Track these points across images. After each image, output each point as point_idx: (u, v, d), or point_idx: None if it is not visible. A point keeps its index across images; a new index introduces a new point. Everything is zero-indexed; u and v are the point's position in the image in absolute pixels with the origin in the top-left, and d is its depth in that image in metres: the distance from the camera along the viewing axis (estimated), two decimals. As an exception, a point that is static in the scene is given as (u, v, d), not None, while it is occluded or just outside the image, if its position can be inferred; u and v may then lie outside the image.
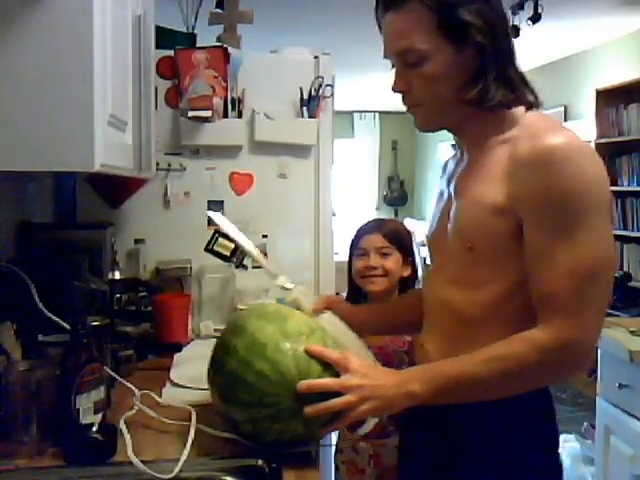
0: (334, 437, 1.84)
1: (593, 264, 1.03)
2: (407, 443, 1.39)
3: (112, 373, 1.44)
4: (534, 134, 1.06)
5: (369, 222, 1.90)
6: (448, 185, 1.26)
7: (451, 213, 1.19)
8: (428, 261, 1.36)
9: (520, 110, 1.14)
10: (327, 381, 1.11)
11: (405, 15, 1.09)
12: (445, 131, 1.24)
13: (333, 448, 1.86)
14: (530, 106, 1.15)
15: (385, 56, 1.17)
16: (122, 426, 1.21)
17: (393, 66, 1.17)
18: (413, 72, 1.11)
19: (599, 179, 1.04)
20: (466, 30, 1.07)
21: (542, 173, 1.02)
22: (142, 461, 1.11)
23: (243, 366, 1.15)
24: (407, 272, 1.82)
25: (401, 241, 1.78)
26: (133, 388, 1.37)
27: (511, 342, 1.06)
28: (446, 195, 1.26)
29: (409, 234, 1.87)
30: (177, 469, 1.10)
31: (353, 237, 1.87)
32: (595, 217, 1.03)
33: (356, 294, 1.88)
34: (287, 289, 1.41)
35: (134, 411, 1.30)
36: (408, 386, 1.09)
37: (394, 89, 1.16)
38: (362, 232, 1.84)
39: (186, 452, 1.14)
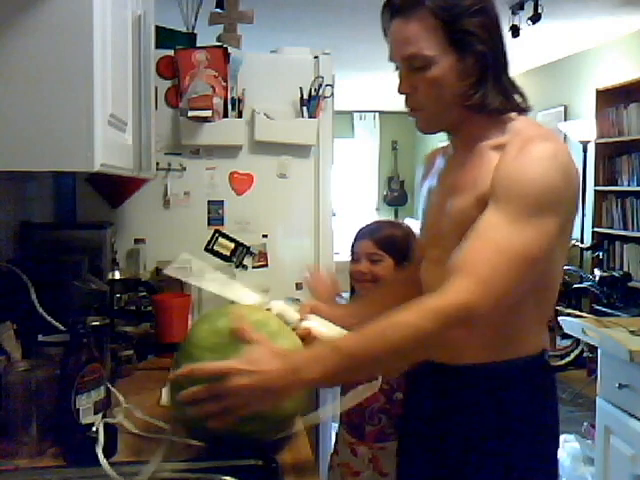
0: (332, 438, 1.84)
1: (523, 253, 1.06)
2: (405, 443, 1.39)
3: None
4: (526, 139, 1.12)
5: (366, 226, 1.90)
6: (439, 181, 1.30)
7: (446, 210, 1.22)
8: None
9: (512, 115, 1.20)
10: (209, 364, 1.05)
11: (414, 22, 1.15)
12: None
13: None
14: (521, 110, 1.21)
15: (391, 59, 1.22)
16: (100, 427, 1.16)
17: (397, 68, 1.22)
18: (418, 76, 1.17)
19: (567, 191, 1.11)
20: (469, 40, 1.14)
21: (519, 165, 1.09)
22: (140, 461, 1.11)
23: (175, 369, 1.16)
24: None
25: (394, 247, 1.76)
26: (121, 398, 1.38)
27: (409, 308, 1.05)
28: (437, 191, 1.30)
29: (410, 237, 1.85)
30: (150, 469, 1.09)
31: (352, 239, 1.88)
32: (547, 218, 1.08)
33: (356, 295, 1.88)
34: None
35: (115, 420, 1.29)
36: (300, 373, 1.03)
37: (399, 91, 1.21)
38: (357, 236, 1.84)
39: (158, 459, 1.12)
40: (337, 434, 1.84)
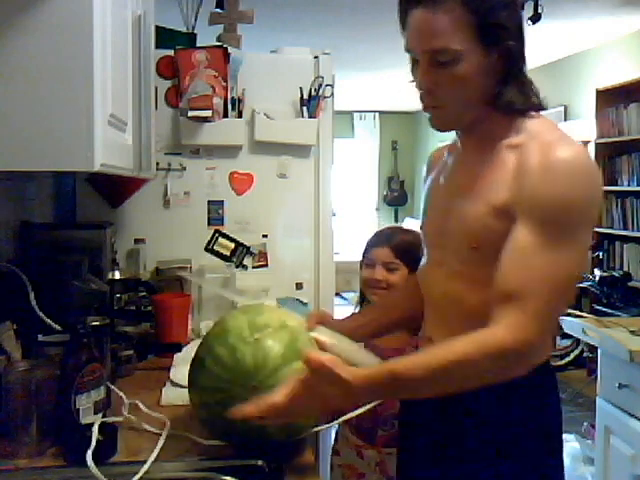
0: (331, 438, 1.84)
1: (567, 277, 1.06)
2: (405, 439, 1.39)
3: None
4: (545, 144, 1.08)
5: (380, 232, 1.87)
6: (445, 180, 1.27)
7: (453, 210, 1.19)
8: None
9: (527, 114, 1.15)
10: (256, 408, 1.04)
11: (443, 14, 1.07)
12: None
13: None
14: (538, 108, 1.16)
15: (409, 50, 1.15)
16: (95, 428, 1.16)
17: (414, 62, 1.15)
18: (442, 72, 1.10)
19: (595, 198, 1.08)
20: (500, 34, 1.08)
21: (547, 181, 1.04)
22: (139, 461, 1.11)
23: (206, 351, 1.19)
24: None
25: (410, 255, 1.72)
26: (123, 397, 1.38)
27: (469, 342, 1.04)
28: (443, 190, 1.26)
29: (421, 245, 1.83)
30: (145, 467, 1.10)
31: (366, 244, 1.86)
32: (582, 234, 1.06)
33: (366, 300, 1.86)
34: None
35: (121, 418, 1.30)
36: (357, 397, 1.07)
37: (420, 87, 1.14)
38: (372, 243, 1.82)
39: (154, 455, 1.13)
40: (337, 434, 1.84)
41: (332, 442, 1.88)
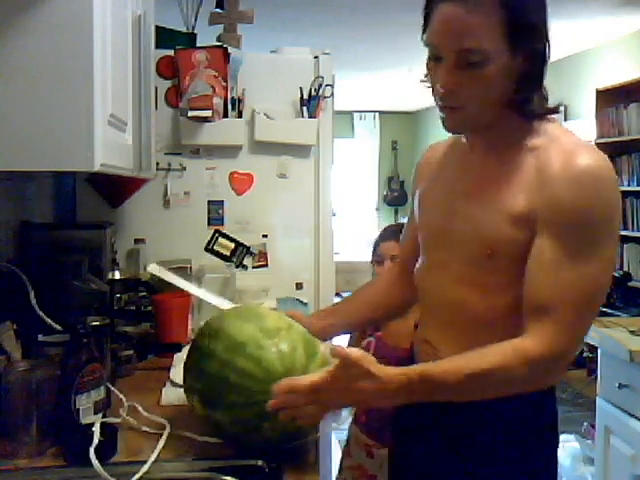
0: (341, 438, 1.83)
1: (596, 288, 1.06)
2: (402, 439, 1.38)
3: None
4: (566, 150, 1.06)
5: (389, 227, 1.90)
6: (450, 181, 1.23)
7: (461, 214, 1.17)
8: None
9: (544, 117, 1.13)
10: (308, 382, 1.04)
11: (476, 10, 1.01)
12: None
13: (340, 450, 1.86)
14: (552, 112, 1.14)
15: (433, 46, 1.08)
16: (95, 428, 1.16)
17: (435, 58, 1.09)
18: (468, 72, 1.05)
19: (619, 207, 1.09)
20: (530, 35, 1.04)
21: (572, 191, 1.03)
22: (139, 461, 1.11)
23: (225, 367, 1.14)
24: None
25: None
26: (122, 398, 1.37)
27: (502, 352, 1.05)
28: (444, 191, 1.23)
29: None
30: (145, 467, 1.10)
31: (374, 243, 1.89)
32: (608, 244, 1.06)
33: None
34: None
35: (120, 419, 1.29)
36: (390, 399, 1.07)
37: (444, 86, 1.07)
38: (380, 238, 1.85)
39: (154, 455, 1.13)
40: (349, 436, 1.83)
41: (331, 442, 1.88)
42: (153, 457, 1.12)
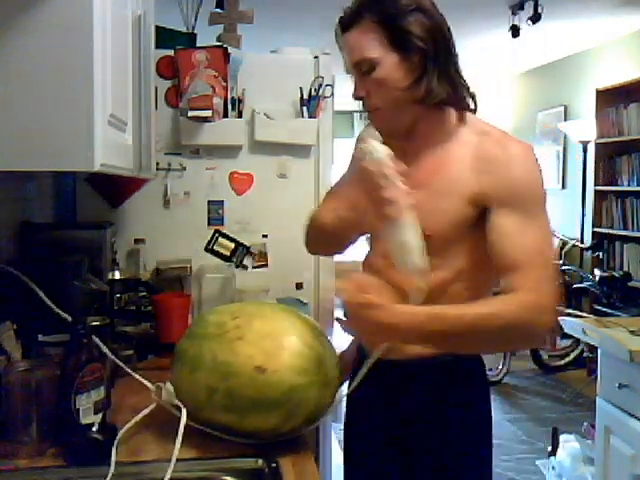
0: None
1: (550, 241, 1.29)
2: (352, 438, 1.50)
3: (125, 367, 1.44)
4: (499, 141, 1.26)
5: None
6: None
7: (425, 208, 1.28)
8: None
9: (463, 112, 1.30)
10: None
11: (357, 31, 1.25)
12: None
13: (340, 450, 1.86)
14: (469, 110, 1.31)
15: (347, 71, 1.31)
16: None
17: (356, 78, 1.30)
18: (368, 79, 1.26)
19: (543, 180, 1.28)
20: (408, 38, 1.22)
21: (517, 171, 1.23)
22: (142, 461, 1.11)
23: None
24: None
25: None
26: (147, 383, 1.35)
27: (502, 301, 1.19)
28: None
29: None
30: (169, 473, 1.09)
31: None
32: (545, 207, 1.26)
33: None
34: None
35: (152, 407, 1.28)
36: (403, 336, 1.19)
37: (354, 96, 1.30)
38: None
39: (176, 452, 1.12)
40: None
41: (332, 442, 1.87)
42: (152, 458, 1.12)
